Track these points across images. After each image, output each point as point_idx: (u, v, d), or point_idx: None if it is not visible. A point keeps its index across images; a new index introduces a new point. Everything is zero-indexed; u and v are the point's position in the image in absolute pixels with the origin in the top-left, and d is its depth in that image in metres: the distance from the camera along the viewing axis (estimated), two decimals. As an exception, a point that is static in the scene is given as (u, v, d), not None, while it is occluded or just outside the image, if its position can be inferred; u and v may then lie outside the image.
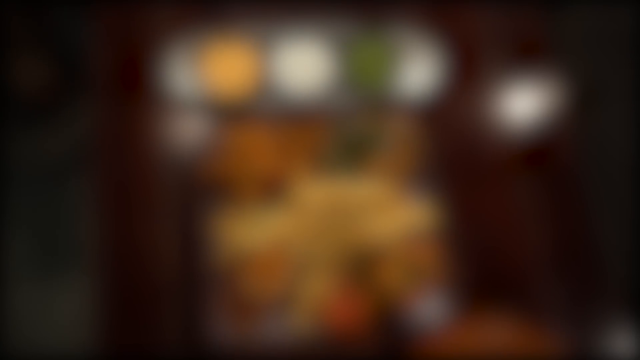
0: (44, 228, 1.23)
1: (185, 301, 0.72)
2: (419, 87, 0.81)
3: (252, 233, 0.72)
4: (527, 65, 0.84)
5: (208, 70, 0.78)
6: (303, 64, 0.80)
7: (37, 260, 1.22)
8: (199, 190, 0.76)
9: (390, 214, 0.74)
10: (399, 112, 0.79)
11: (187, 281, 0.73)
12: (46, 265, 1.22)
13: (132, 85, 0.81)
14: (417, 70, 0.81)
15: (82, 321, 1.20)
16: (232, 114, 0.78)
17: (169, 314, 0.72)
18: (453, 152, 0.80)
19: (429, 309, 0.72)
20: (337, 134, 0.76)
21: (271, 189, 0.74)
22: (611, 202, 1.30)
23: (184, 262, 0.73)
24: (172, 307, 0.72)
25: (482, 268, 0.75)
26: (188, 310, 0.72)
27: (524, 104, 0.82)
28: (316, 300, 0.71)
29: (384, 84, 0.80)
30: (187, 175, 0.76)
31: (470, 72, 0.83)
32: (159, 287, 0.73)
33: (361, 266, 0.72)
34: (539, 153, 0.80)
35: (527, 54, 0.84)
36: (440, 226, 0.75)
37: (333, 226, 0.72)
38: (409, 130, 0.78)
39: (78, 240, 1.23)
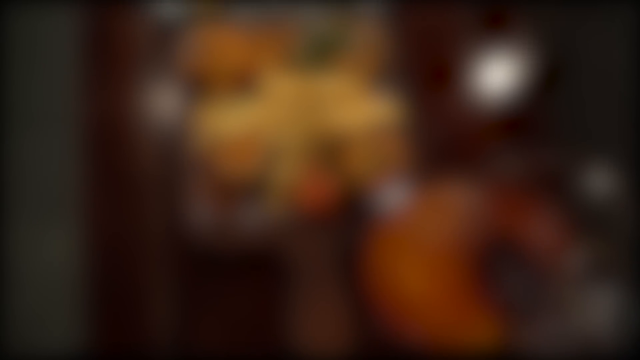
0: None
1: (167, 188, 0.78)
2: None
3: (226, 122, 0.77)
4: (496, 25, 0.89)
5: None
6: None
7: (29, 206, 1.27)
8: (177, 85, 0.81)
9: (357, 106, 0.79)
10: (366, 20, 0.85)
11: (168, 169, 0.78)
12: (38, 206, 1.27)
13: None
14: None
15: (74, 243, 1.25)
16: (203, 19, 0.83)
17: (151, 203, 0.78)
18: (417, 55, 0.85)
19: (393, 191, 0.78)
20: (305, 35, 0.81)
21: (244, 82, 0.80)
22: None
23: (164, 151, 0.79)
24: (155, 196, 0.78)
25: (441, 154, 0.81)
26: (170, 196, 0.78)
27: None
28: (287, 184, 0.76)
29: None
30: (164, 72, 0.81)
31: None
32: (141, 176, 0.78)
33: (329, 153, 0.78)
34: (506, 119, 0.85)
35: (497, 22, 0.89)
36: (403, 120, 0.81)
37: (302, 115, 0.78)
38: (376, 34, 0.83)
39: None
